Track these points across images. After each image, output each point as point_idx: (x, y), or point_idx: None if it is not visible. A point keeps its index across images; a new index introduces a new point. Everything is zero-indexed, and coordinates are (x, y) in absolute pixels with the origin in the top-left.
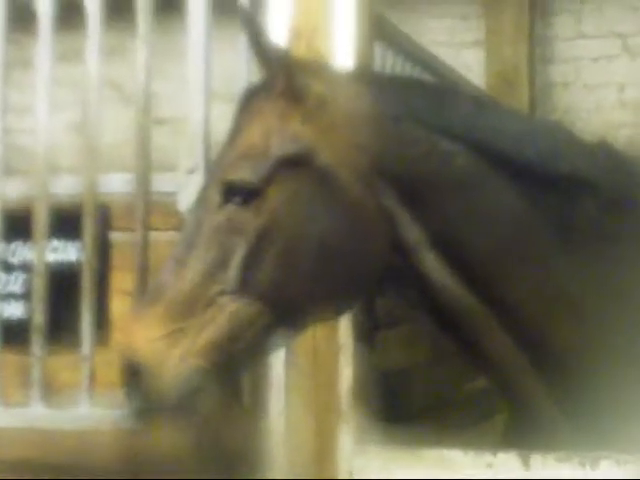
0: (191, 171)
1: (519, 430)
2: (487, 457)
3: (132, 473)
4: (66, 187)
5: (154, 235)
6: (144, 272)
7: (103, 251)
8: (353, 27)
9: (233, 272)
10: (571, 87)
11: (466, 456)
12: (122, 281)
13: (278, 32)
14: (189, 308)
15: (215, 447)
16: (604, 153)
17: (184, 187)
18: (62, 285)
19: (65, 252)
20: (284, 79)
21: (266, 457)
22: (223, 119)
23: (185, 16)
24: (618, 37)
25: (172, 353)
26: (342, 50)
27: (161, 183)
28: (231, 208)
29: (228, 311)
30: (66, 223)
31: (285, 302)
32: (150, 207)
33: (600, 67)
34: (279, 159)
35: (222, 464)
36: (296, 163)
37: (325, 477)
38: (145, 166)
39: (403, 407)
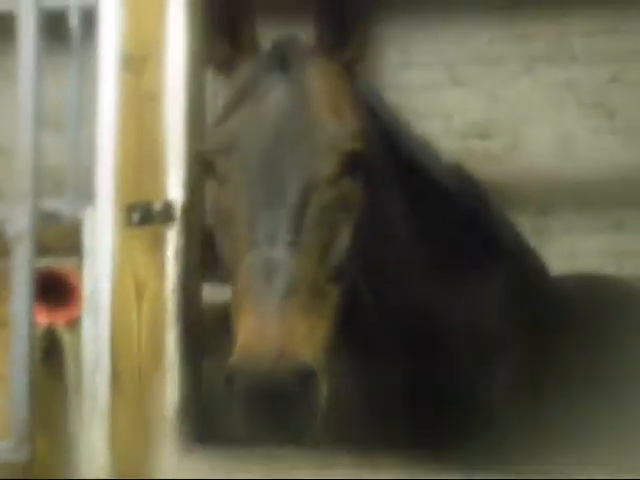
0: (18, 199)
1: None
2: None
3: None
4: None
5: None
6: None
7: None
8: (185, 51)
9: (337, 255)
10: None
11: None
12: None
13: (109, 58)
14: (311, 299)
15: None
16: (460, 174)
17: (11, 215)
18: None
19: None
20: (362, 46)
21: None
22: (52, 146)
23: (15, 43)
24: (445, 66)
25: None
26: (174, 74)
27: None
28: (347, 181)
29: (334, 301)
30: None
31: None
32: None
33: (428, 96)
34: (365, 120)
35: None
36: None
37: None
38: None
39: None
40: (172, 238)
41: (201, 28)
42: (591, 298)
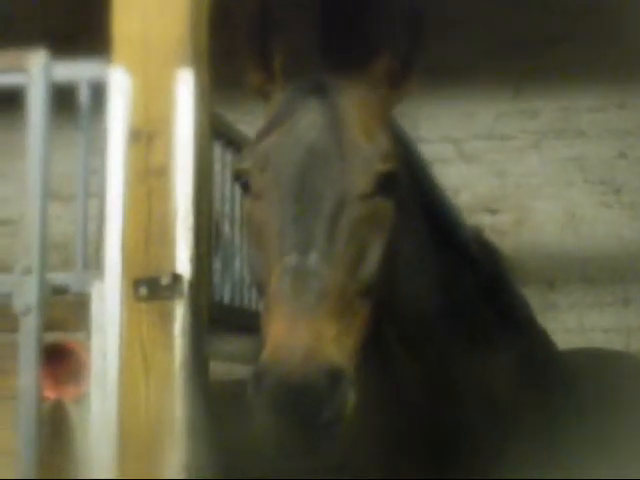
0: (26, 272)
1: None
2: None
3: None
4: None
5: None
6: None
7: None
8: (193, 126)
9: (368, 270)
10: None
11: None
12: None
13: (117, 132)
14: (341, 309)
15: None
16: (479, 238)
17: (19, 289)
18: None
19: None
20: (414, 82)
21: None
22: (60, 219)
23: (25, 116)
24: (452, 142)
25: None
26: (182, 148)
27: None
28: (379, 200)
29: (363, 317)
30: None
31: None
32: None
33: (436, 170)
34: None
35: None
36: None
37: None
38: None
39: None
40: (180, 313)
41: (208, 102)
42: (598, 372)
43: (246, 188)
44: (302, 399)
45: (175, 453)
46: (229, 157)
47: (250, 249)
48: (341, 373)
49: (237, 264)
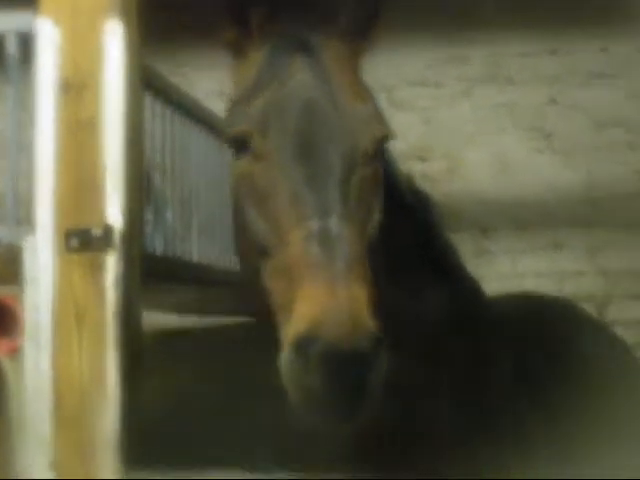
0: None
1: None
2: None
3: None
4: None
5: None
6: None
7: None
8: (122, 78)
9: (373, 229)
10: None
11: None
12: None
13: (46, 85)
14: (363, 272)
15: None
16: (411, 186)
17: None
18: None
19: None
20: (377, 35)
21: None
22: None
23: None
24: (384, 90)
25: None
26: (112, 100)
27: None
28: (378, 162)
29: (369, 274)
30: None
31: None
32: None
33: None
34: None
35: None
36: None
37: None
38: None
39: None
40: (112, 264)
41: (137, 54)
42: (529, 317)
43: (241, 149)
44: (352, 364)
45: (109, 405)
46: (159, 107)
47: (250, 213)
48: (381, 337)
49: (168, 215)
